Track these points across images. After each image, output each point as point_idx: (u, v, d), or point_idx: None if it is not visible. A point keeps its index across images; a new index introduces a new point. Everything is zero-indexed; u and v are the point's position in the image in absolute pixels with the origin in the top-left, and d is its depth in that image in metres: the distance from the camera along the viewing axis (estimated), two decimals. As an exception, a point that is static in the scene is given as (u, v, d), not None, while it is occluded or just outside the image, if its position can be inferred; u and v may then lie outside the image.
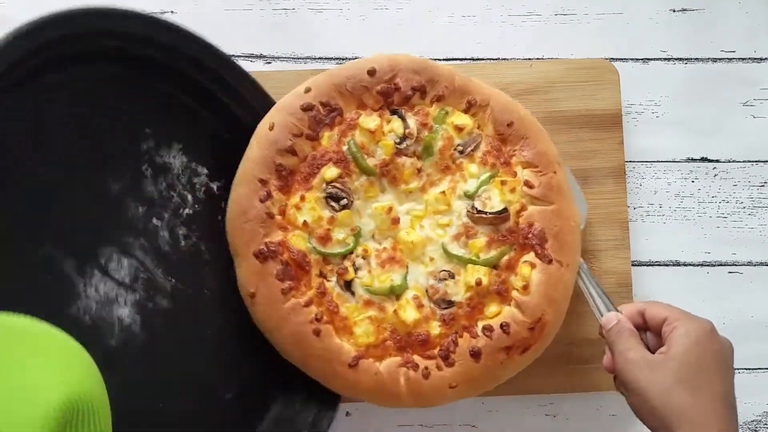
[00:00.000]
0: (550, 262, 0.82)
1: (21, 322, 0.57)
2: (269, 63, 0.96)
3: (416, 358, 0.82)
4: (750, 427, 0.93)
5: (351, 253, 0.83)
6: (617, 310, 0.78)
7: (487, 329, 0.81)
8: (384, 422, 0.92)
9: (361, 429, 0.91)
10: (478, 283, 0.81)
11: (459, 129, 0.84)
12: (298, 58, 0.96)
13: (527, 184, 0.84)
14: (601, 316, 0.78)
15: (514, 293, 0.82)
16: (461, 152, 0.85)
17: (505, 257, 0.83)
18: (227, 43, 0.95)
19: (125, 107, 0.80)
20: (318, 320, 0.81)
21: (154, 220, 0.80)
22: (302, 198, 0.82)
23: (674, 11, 0.98)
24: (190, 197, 0.83)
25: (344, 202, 0.83)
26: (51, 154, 0.73)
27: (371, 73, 0.84)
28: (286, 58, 0.96)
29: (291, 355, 0.82)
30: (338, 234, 0.83)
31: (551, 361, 0.89)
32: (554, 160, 0.85)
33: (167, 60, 0.80)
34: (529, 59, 0.96)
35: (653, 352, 0.72)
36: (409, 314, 0.81)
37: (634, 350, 0.72)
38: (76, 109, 0.76)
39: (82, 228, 0.75)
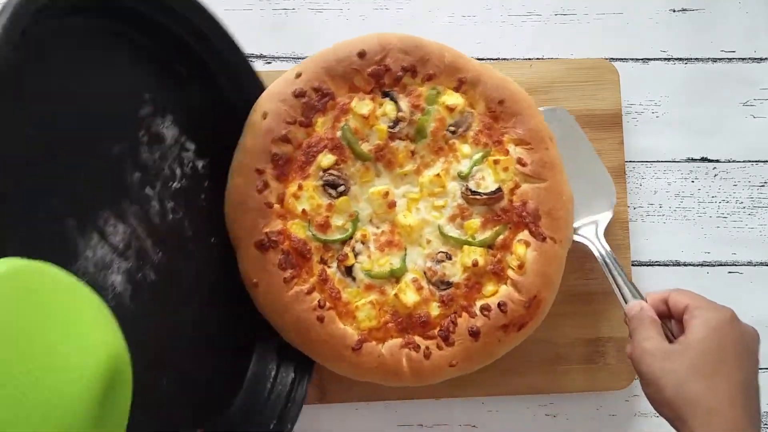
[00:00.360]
0: (543, 239, 0.83)
1: (61, 273, 0.55)
2: (269, 63, 0.96)
3: (417, 338, 0.82)
4: (750, 427, 0.93)
5: (350, 238, 0.83)
6: (642, 298, 0.78)
7: (485, 309, 0.82)
8: (384, 422, 0.92)
9: (361, 429, 0.91)
10: (475, 264, 0.82)
11: (450, 109, 0.84)
12: (298, 58, 0.96)
13: (520, 161, 0.84)
14: (626, 303, 0.78)
15: (510, 272, 0.83)
16: (453, 132, 0.84)
17: (500, 237, 0.83)
18: (227, 43, 0.95)
19: (128, 68, 0.79)
20: (321, 307, 0.81)
21: (147, 189, 0.79)
22: (300, 187, 0.82)
23: (674, 11, 0.98)
24: (178, 171, 0.82)
25: (341, 188, 0.83)
26: (55, 108, 0.72)
27: (361, 55, 0.84)
28: (286, 58, 0.96)
29: (296, 341, 0.83)
30: (337, 221, 0.83)
31: (551, 361, 0.90)
32: (546, 136, 0.85)
33: (166, 22, 0.79)
34: (529, 59, 0.96)
35: (676, 340, 0.72)
36: (410, 297, 0.82)
37: (651, 340, 0.72)
38: (81, 62, 0.74)
39: (85, 186, 0.73)
